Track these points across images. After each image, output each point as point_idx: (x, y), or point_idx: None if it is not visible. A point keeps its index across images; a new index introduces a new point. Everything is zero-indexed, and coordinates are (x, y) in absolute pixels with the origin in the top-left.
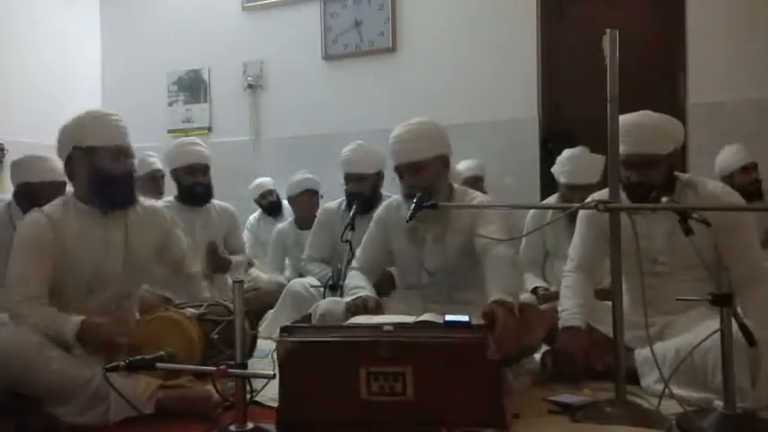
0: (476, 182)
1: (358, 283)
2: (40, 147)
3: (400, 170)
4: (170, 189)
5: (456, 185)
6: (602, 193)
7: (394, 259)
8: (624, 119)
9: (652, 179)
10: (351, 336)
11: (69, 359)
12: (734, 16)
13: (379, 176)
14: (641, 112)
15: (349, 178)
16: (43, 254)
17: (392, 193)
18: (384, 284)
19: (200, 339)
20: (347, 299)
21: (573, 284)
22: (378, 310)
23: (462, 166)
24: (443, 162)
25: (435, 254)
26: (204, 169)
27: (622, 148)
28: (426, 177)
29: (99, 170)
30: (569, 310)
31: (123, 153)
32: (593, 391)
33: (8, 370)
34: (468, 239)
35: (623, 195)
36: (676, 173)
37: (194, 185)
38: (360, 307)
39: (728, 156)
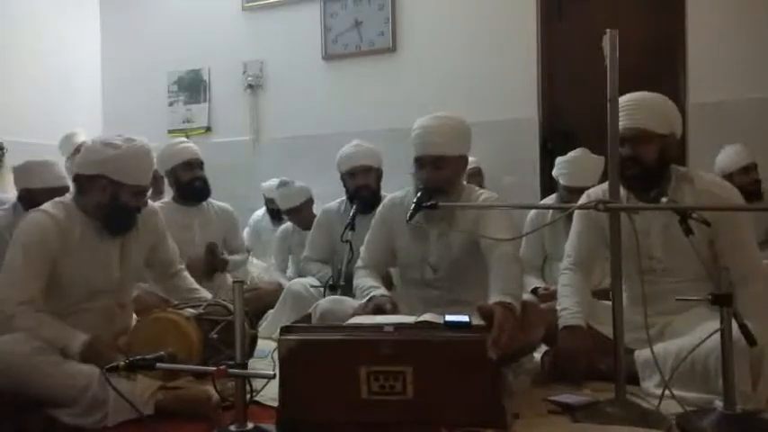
0: (474, 174)
1: (370, 283)
2: (40, 147)
3: (422, 161)
4: (170, 190)
5: (464, 183)
6: (599, 189)
7: (397, 256)
8: (626, 97)
9: (643, 156)
10: (352, 334)
11: (67, 365)
12: (734, 16)
13: (380, 173)
14: (640, 92)
15: (354, 172)
16: (46, 257)
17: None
18: (387, 280)
19: (200, 340)
20: (363, 301)
21: (570, 282)
22: (394, 311)
23: None
24: (464, 162)
25: (439, 249)
26: (200, 164)
27: (620, 124)
28: (447, 174)
29: (117, 202)
30: (569, 309)
31: (144, 193)
32: (593, 391)
33: (5, 375)
34: (473, 236)
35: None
36: (674, 165)
37: (194, 180)
38: (381, 308)
39: (728, 156)
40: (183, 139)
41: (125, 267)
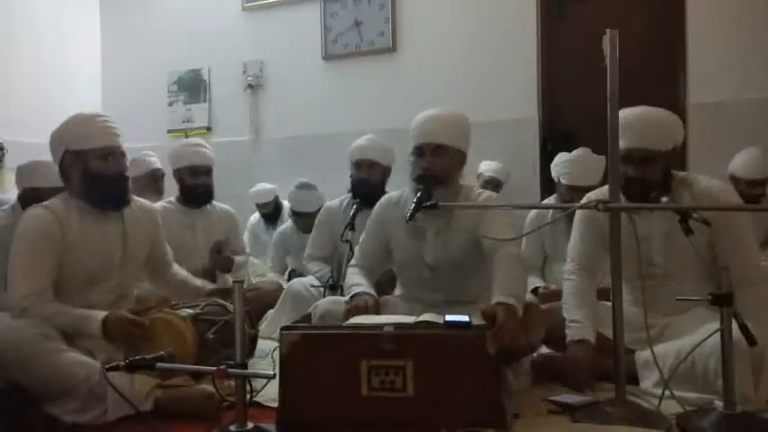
0: (495, 184)
1: (356, 281)
2: (40, 147)
3: (422, 149)
4: (170, 190)
5: (463, 183)
6: (599, 192)
7: (393, 255)
8: (626, 113)
9: (650, 175)
10: (353, 329)
11: (69, 355)
12: (734, 16)
13: (387, 170)
14: (642, 106)
15: (360, 165)
16: (49, 248)
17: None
18: (386, 283)
19: (194, 340)
20: (346, 298)
21: (577, 291)
22: (376, 308)
23: (484, 166)
24: (462, 159)
25: (436, 248)
26: (207, 171)
27: (622, 143)
28: (445, 164)
29: (90, 172)
30: (579, 321)
31: (112, 154)
32: (593, 391)
33: (7, 359)
34: (472, 236)
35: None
36: (673, 171)
37: (196, 186)
38: (360, 309)
39: (745, 162)
40: (198, 140)
41: (127, 251)
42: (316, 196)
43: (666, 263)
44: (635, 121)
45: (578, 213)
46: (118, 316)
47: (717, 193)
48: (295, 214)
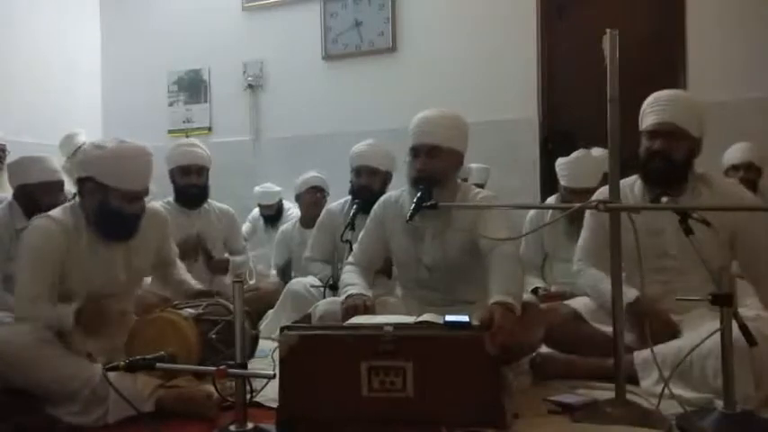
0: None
1: (351, 281)
2: (41, 147)
3: (417, 150)
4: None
5: (461, 182)
6: (603, 191)
7: (392, 254)
8: (657, 93)
9: (674, 152)
10: (353, 330)
11: (70, 358)
12: (733, 16)
13: (388, 176)
14: (676, 90)
15: (360, 171)
16: (55, 262)
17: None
18: (387, 266)
19: (198, 340)
20: (341, 297)
21: (595, 272)
22: (371, 309)
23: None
24: (458, 159)
25: (434, 249)
26: (199, 171)
27: (653, 118)
28: (440, 166)
29: (108, 207)
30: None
31: (138, 197)
32: (593, 390)
33: (8, 364)
34: (470, 237)
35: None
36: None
37: (188, 187)
38: (359, 308)
39: (731, 152)
40: (193, 140)
41: (131, 272)
42: (316, 177)
43: (682, 255)
44: (667, 97)
45: (588, 213)
46: (90, 309)
47: (734, 195)
48: (297, 197)
